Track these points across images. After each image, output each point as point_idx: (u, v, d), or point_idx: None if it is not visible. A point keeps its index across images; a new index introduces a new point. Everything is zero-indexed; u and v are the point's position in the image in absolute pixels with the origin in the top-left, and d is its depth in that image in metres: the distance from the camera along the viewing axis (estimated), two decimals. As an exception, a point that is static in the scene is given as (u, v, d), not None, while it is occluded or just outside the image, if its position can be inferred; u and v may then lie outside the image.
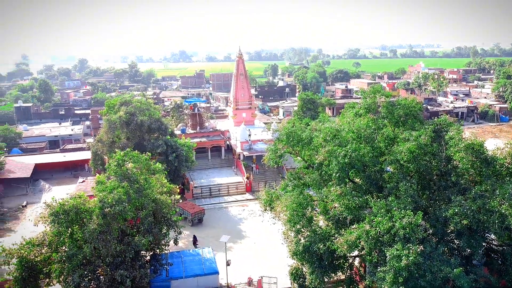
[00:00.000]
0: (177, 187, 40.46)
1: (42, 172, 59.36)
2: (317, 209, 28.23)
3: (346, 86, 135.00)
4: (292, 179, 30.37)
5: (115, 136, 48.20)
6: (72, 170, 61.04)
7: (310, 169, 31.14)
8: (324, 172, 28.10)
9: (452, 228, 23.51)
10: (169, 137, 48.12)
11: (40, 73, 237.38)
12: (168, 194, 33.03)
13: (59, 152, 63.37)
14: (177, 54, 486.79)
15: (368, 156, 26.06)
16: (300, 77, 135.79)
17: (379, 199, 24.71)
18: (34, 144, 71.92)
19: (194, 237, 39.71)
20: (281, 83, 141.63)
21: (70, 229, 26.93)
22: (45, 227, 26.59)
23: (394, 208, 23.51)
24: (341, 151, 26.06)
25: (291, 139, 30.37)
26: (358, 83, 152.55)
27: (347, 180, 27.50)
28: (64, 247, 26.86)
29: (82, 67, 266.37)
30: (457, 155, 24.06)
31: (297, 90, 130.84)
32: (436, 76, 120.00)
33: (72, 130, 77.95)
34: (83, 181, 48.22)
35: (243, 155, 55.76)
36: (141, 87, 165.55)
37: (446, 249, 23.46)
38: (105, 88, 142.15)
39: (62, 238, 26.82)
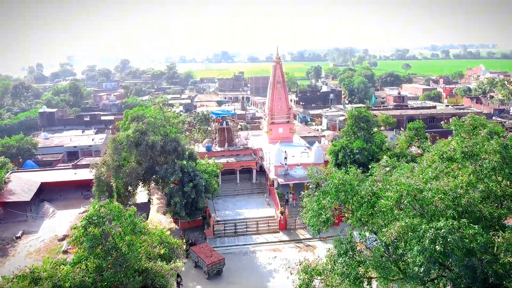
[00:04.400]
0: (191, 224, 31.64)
1: (50, 191, 52.52)
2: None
3: (399, 92, 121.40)
4: (342, 252, 20.12)
5: (122, 159, 40.04)
6: (84, 189, 53.71)
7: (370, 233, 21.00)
8: (395, 253, 17.94)
9: None
10: (185, 162, 39.23)
11: (83, 74, 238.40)
12: (168, 258, 23.96)
13: (70, 168, 56.29)
14: (219, 54, 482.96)
15: (475, 242, 15.60)
16: (346, 81, 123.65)
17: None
18: (51, 156, 65.68)
19: (178, 275, 30.40)
20: (324, 88, 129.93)
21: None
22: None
23: None
24: (427, 229, 15.78)
25: (342, 194, 20.30)
26: (411, 89, 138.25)
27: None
28: None
29: (124, 68, 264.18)
30: None
31: (342, 97, 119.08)
32: (505, 82, 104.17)
33: (92, 140, 70.87)
34: (84, 212, 40.23)
35: (278, 182, 45.89)
36: (178, 89, 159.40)
37: None
38: (139, 91, 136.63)
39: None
